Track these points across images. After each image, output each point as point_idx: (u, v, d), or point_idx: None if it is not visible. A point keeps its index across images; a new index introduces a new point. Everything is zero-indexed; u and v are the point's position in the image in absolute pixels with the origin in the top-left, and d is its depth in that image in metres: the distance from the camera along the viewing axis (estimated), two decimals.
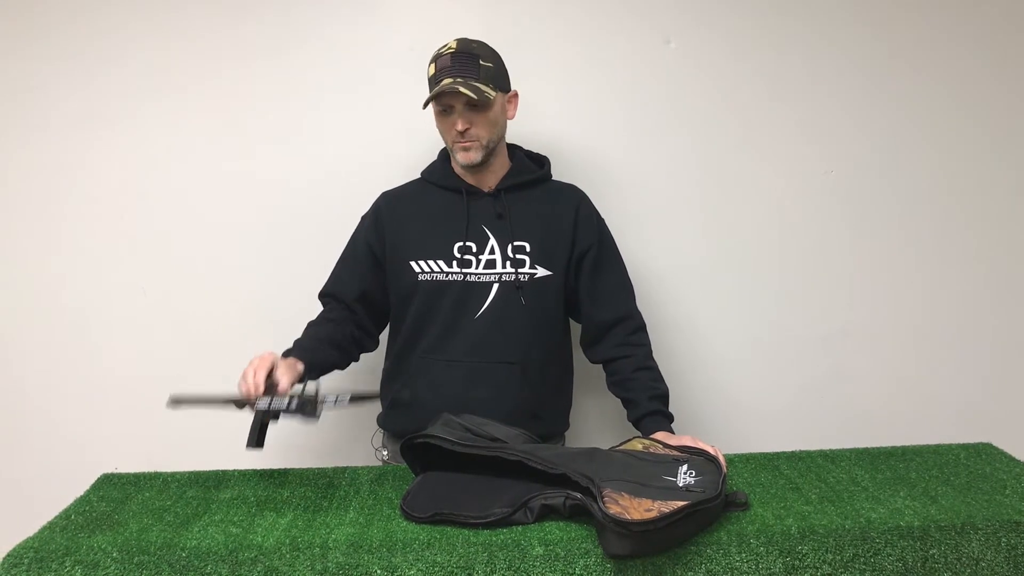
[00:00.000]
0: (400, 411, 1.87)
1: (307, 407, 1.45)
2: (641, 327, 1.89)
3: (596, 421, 2.21)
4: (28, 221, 2.15)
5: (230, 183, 2.16)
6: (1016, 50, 2.19)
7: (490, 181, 1.85)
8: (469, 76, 1.72)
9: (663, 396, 1.79)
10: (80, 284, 2.17)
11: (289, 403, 1.46)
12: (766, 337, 2.24)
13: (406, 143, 2.11)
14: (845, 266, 2.23)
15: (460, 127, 1.74)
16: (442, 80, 1.72)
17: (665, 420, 1.75)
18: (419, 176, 1.93)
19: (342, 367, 1.85)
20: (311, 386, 1.50)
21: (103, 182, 2.15)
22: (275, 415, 1.48)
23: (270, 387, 1.52)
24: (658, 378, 1.83)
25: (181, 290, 2.18)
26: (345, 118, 2.15)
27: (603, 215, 1.94)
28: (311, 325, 1.84)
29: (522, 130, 2.01)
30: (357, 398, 1.52)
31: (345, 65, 2.13)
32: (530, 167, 1.91)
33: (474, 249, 1.80)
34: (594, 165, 2.13)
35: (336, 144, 2.16)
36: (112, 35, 2.11)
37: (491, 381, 1.77)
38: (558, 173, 1.97)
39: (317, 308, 2.13)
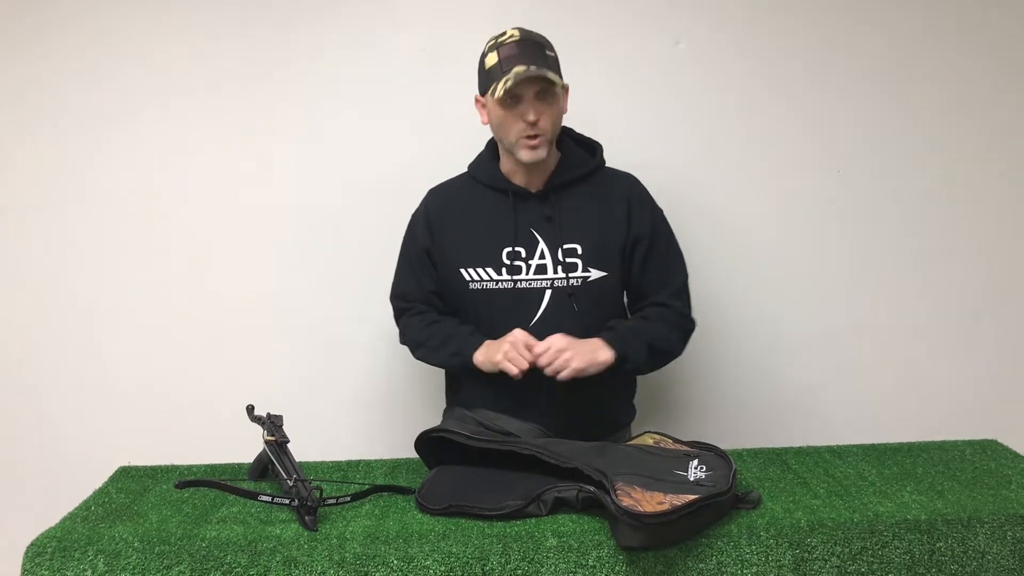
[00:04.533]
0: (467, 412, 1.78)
1: (306, 510, 1.37)
2: (672, 314, 1.80)
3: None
4: (43, 219, 2.16)
5: (243, 184, 2.17)
6: (1023, 52, 2.21)
7: (539, 180, 1.77)
8: (541, 65, 1.65)
9: (627, 327, 1.73)
10: (93, 282, 2.18)
11: (291, 500, 1.39)
12: (773, 334, 2.25)
13: (419, 144, 2.13)
14: (852, 264, 2.24)
15: (532, 117, 1.65)
16: (512, 68, 1.63)
17: (605, 332, 1.71)
18: (465, 171, 1.87)
19: None
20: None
21: (116, 182, 2.16)
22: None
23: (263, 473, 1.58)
24: (641, 322, 1.76)
25: (194, 287, 2.19)
26: (357, 119, 2.15)
27: None
28: (441, 321, 1.80)
29: None
30: (358, 496, 1.47)
31: (357, 66, 2.14)
32: (581, 158, 1.82)
33: (523, 255, 1.74)
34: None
35: (348, 145, 2.16)
36: (126, 36, 2.11)
37: (551, 388, 1.67)
38: None
39: (327, 305, 2.17)
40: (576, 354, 1.62)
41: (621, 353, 1.68)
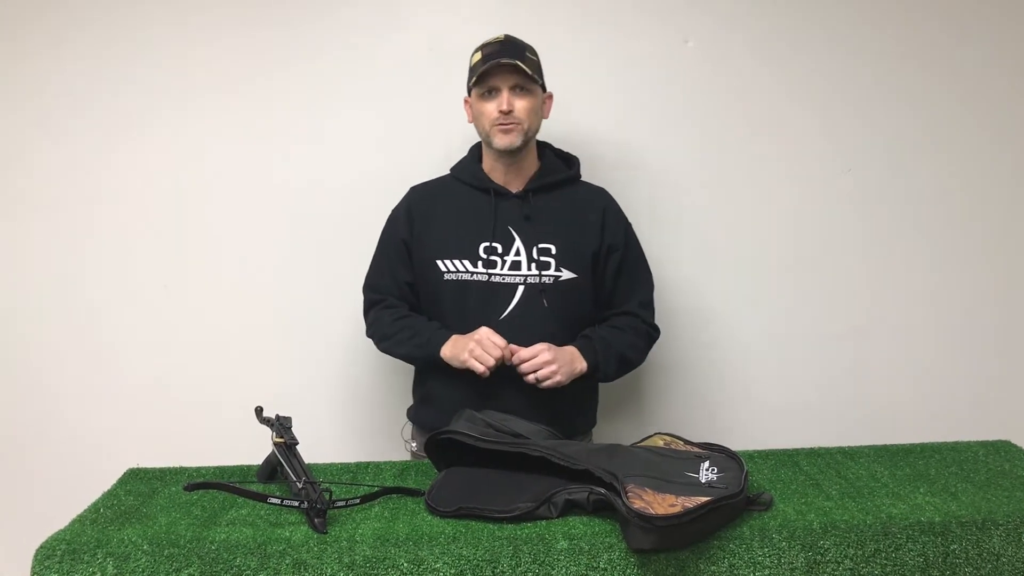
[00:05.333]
0: (431, 406, 1.88)
1: (316, 512, 1.36)
2: (641, 324, 1.89)
3: (617, 411, 2.22)
4: (52, 220, 2.17)
5: (252, 183, 2.17)
6: None
7: (519, 181, 1.85)
8: (518, 60, 1.75)
9: (601, 338, 1.81)
10: (104, 282, 2.18)
11: (300, 503, 1.38)
12: (784, 335, 2.25)
13: (425, 143, 2.12)
14: (862, 264, 2.23)
15: (505, 107, 1.74)
16: (492, 60, 1.74)
17: (580, 340, 1.80)
18: (448, 172, 1.93)
19: None
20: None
21: (127, 183, 2.16)
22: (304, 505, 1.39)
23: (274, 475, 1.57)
24: (613, 332, 1.83)
25: (202, 288, 2.19)
26: (364, 119, 2.16)
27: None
28: (411, 316, 1.86)
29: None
30: (368, 498, 1.46)
31: (364, 66, 2.15)
32: (559, 167, 1.91)
33: (499, 250, 1.81)
34: (610, 164, 2.14)
35: (356, 145, 2.17)
36: (136, 38, 2.12)
37: (517, 382, 1.74)
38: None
39: (333, 306, 2.16)
40: (561, 367, 1.71)
41: (593, 364, 1.78)
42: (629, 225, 1.93)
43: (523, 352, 1.71)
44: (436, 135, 2.13)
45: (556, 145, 1.97)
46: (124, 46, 2.13)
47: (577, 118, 2.14)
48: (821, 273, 2.23)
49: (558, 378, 1.71)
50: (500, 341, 1.70)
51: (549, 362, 1.70)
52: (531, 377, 1.71)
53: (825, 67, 2.18)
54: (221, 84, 2.14)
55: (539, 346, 1.71)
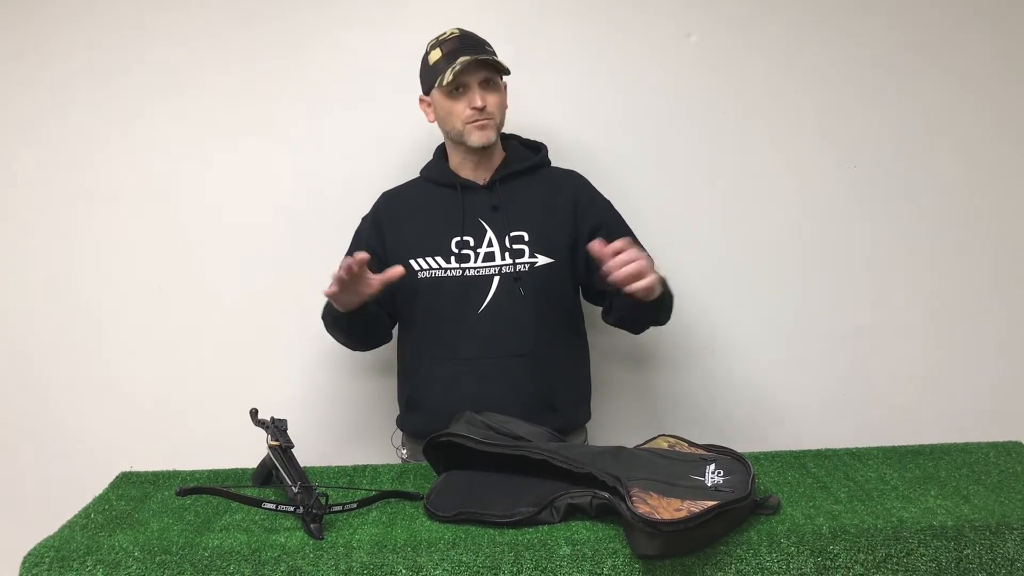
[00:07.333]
0: (416, 412, 1.86)
1: (312, 518, 1.33)
2: None
3: (620, 413, 2.20)
4: (45, 219, 2.15)
5: (246, 182, 2.16)
6: None
7: (485, 173, 1.84)
8: (483, 54, 1.74)
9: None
10: (96, 282, 2.17)
11: (295, 508, 1.35)
12: (788, 335, 2.22)
13: (425, 142, 2.09)
14: (868, 263, 2.21)
15: (479, 103, 1.73)
16: (458, 58, 1.72)
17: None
18: (419, 175, 1.94)
19: (380, 332, 1.88)
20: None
21: (119, 180, 2.15)
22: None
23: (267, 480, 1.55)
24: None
25: (196, 288, 2.17)
26: (360, 117, 2.14)
27: (624, 211, 1.92)
28: None
29: (540, 123, 2.00)
30: (365, 503, 1.43)
31: (360, 65, 2.13)
32: (525, 155, 1.90)
33: (471, 243, 1.79)
34: (614, 160, 2.12)
35: (351, 144, 2.15)
36: (129, 33, 2.10)
37: (502, 376, 1.75)
38: (579, 169, 1.95)
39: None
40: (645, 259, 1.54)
41: (663, 285, 1.65)
42: (609, 203, 1.90)
43: (607, 248, 1.51)
44: (436, 135, 2.09)
45: (552, 140, 1.95)
46: (117, 43, 2.11)
47: (577, 113, 2.12)
48: (826, 272, 2.20)
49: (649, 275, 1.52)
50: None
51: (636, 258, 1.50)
52: (623, 272, 1.50)
53: (831, 61, 2.15)
54: (217, 82, 2.12)
55: (620, 242, 1.53)
